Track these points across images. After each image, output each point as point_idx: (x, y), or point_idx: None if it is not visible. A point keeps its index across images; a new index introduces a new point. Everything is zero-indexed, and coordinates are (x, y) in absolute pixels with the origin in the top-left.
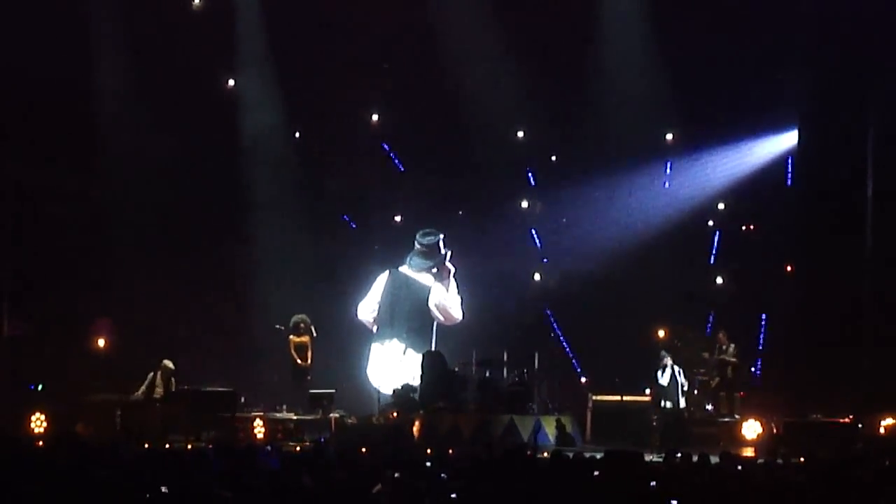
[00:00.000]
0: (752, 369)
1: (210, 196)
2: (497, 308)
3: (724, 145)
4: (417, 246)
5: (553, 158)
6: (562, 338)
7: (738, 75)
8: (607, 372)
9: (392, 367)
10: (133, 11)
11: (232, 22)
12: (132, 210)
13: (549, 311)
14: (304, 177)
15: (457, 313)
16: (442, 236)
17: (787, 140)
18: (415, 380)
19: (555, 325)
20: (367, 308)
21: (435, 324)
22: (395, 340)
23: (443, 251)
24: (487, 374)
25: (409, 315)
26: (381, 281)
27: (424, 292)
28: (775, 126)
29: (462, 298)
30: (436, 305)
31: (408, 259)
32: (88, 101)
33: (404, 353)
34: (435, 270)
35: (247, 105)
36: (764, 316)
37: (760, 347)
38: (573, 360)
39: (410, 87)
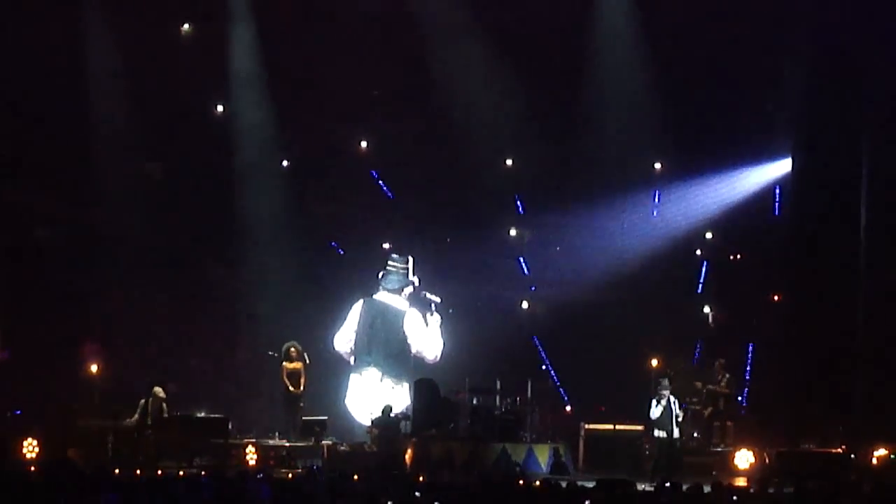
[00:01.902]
0: (739, 399)
1: (200, 222)
2: (486, 336)
3: (712, 175)
4: (390, 265)
5: (541, 187)
6: (549, 366)
7: (729, 105)
8: (595, 400)
9: (370, 395)
10: (125, 38)
11: (223, 48)
12: (122, 235)
13: (536, 340)
14: (293, 203)
15: (430, 351)
16: (412, 258)
17: (775, 170)
18: (399, 406)
19: (542, 353)
20: (344, 339)
21: (412, 350)
22: (372, 369)
23: (411, 275)
24: (479, 402)
25: (385, 342)
26: (357, 310)
27: (399, 318)
28: (764, 156)
29: (444, 342)
30: (411, 333)
31: (381, 281)
32: (79, 125)
33: (381, 380)
34: (410, 290)
35: (237, 131)
36: (751, 346)
37: (747, 377)
38: (560, 389)
39: (399, 115)
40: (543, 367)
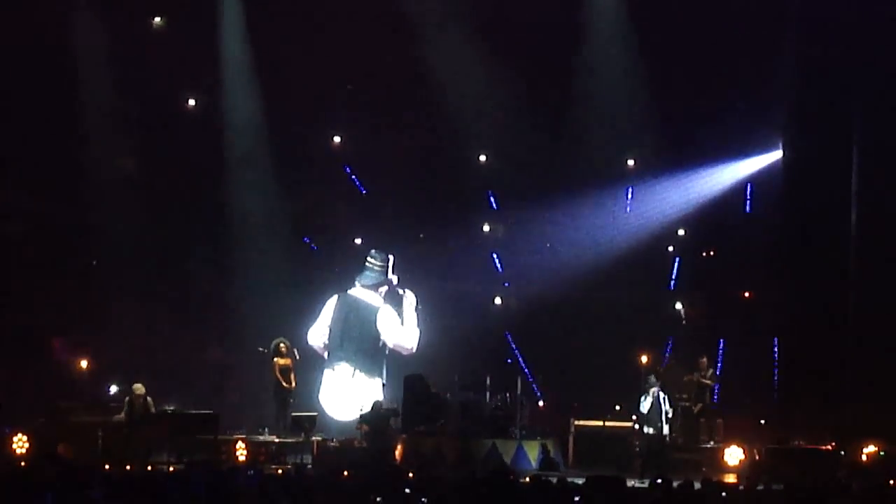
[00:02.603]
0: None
1: (181, 217)
2: (461, 332)
3: (685, 171)
4: (369, 262)
5: (515, 183)
6: (521, 362)
7: (705, 102)
8: (568, 396)
9: (342, 391)
10: (109, 34)
11: (202, 44)
12: (103, 232)
13: (508, 335)
14: (268, 198)
15: (407, 342)
16: (392, 257)
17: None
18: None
19: (515, 349)
20: (318, 333)
21: (385, 346)
22: (344, 364)
23: (390, 274)
24: (469, 398)
25: (358, 337)
26: (331, 305)
27: (373, 314)
28: (736, 153)
29: (421, 331)
30: (384, 328)
31: (358, 277)
32: (59, 119)
33: (353, 375)
34: (386, 288)
35: (218, 127)
36: (722, 342)
37: (718, 373)
38: (532, 385)
39: (373, 110)
40: (509, 360)
